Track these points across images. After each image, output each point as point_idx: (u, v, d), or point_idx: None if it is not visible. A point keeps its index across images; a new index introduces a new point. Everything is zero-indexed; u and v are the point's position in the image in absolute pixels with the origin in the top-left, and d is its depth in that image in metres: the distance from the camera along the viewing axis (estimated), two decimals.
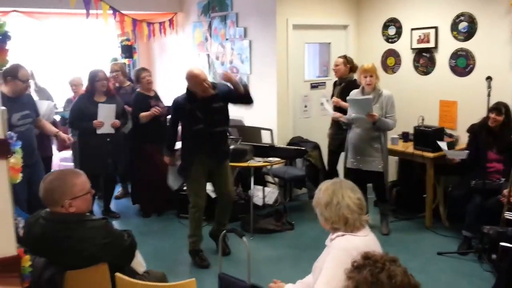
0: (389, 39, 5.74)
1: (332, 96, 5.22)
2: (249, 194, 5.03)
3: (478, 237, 4.14)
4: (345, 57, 5.13)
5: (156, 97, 5.26)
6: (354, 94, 4.60)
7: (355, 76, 4.94)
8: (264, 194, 5.48)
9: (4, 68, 2.17)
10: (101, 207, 5.41)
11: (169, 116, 4.53)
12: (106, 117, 4.84)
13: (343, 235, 2.06)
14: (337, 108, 4.96)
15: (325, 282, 1.98)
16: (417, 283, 1.44)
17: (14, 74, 4.00)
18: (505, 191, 3.86)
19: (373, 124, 4.38)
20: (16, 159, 1.91)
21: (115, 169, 5.10)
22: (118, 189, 6.02)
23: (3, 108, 1.89)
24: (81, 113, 4.82)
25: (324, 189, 2.17)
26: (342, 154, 5.03)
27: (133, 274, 2.49)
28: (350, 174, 4.59)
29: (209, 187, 4.41)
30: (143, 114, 5.03)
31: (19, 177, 1.94)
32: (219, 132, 4.07)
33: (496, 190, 4.02)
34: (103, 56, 6.97)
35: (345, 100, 4.75)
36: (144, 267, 2.68)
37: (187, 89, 3.99)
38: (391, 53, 5.72)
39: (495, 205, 3.96)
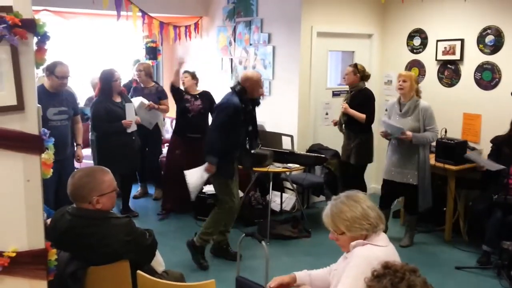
0: (414, 50, 5.72)
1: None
2: (267, 200, 5.06)
3: (497, 253, 4.09)
4: (355, 65, 5.08)
5: (198, 96, 5.33)
6: (391, 103, 4.65)
7: (366, 84, 5.06)
8: (282, 200, 5.49)
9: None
10: (119, 206, 5.48)
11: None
12: (132, 116, 4.96)
13: (364, 244, 2.07)
14: (345, 115, 5.00)
15: None
16: None
17: (51, 70, 4.18)
18: None
19: (410, 142, 4.38)
20: (48, 155, 1.97)
21: (131, 169, 5.21)
22: (137, 189, 6.11)
23: (39, 105, 1.96)
24: (107, 115, 4.88)
25: (344, 200, 2.16)
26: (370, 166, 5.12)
27: (153, 273, 2.53)
28: (384, 185, 4.68)
29: (209, 188, 4.51)
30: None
31: (50, 172, 2.01)
32: (254, 135, 4.30)
33: None
34: (127, 57, 7.09)
35: (352, 107, 4.87)
36: (163, 266, 2.72)
37: (242, 92, 4.04)
38: (416, 64, 5.70)
39: None
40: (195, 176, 4.22)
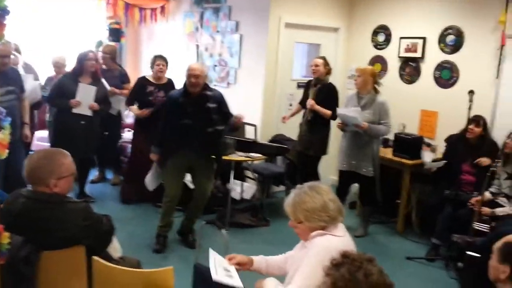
0: (377, 46, 5.83)
1: (305, 95, 5.19)
2: (228, 188, 5.07)
3: (446, 245, 4.26)
4: (324, 58, 5.10)
5: (162, 87, 5.07)
6: (350, 95, 4.71)
7: (330, 78, 5.07)
8: (242, 189, 5.51)
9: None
10: (75, 190, 5.34)
11: None
12: (84, 98, 4.76)
13: (323, 235, 2.11)
14: (311, 111, 4.96)
15: (304, 278, 2.03)
16: (391, 283, 1.50)
17: None
18: (474, 199, 4.01)
19: (364, 132, 4.48)
20: (4, 135, 1.89)
21: (88, 152, 5.06)
22: (95, 173, 5.97)
23: None
24: (61, 90, 4.75)
25: (307, 191, 2.20)
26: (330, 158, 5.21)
27: (109, 259, 2.49)
28: (341, 175, 4.78)
29: (188, 177, 4.44)
30: (132, 108, 5.05)
31: (5, 153, 1.94)
32: (210, 132, 4.07)
33: (467, 201, 4.14)
34: (89, 38, 6.88)
35: (317, 102, 4.85)
36: (120, 252, 2.68)
37: (184, 83, 4.04)
38: (379, 60, 5.81)
39: (466, 215, 4.08)
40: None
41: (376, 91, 4.57)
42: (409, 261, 4.29)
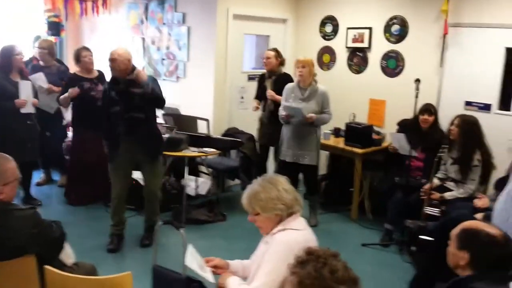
0: (326, 36, 5.89)
1: (261, 89, 5.19)
2: (182, 184, 4.97)
3: (399, 230, 4.40)
4: (276, 50, 5.12)
5: (97, 80, 4.90)
6: (290, 87, 4.64)
7: (283, 69, 5.06)
8: (197, 184, 5.44)
9: None
10: (19, 194, 5.05)
11: None
12: (27, 95, 4.53)
13: (284, 230, 2.10)
14: (272, 102, 4.97)
15: (266, 274, 2.02)
16: (356, 277, 1.50)
17: None
18: (426, 187, 4.14)
19: (311, 124, 4.49)
20: None
21: (34, 154, 4.81)
22: (39, 175, 5.68)
23: None
24: (2, 92, 4.44)
25: (260, 182, 2.20)
26: (271, 148, 5.18)
27: (62, 266, 2.38)
28: (284, 167, 4.66)
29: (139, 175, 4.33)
30: (62, 96, 4.72)
31: None
32: (138, 118, 3.92)
33: (417, 187, 4.28)
34: (26, 33, 6.50)
35: (277, 93, 4.83)
36: (73, 258, 2.57)
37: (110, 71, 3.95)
38: (327, 50, 5.88)
39: (416, 200, 4.22)
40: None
41: (315, 81, 4.58)
42: (364, 248, 4.39)
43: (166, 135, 4.57)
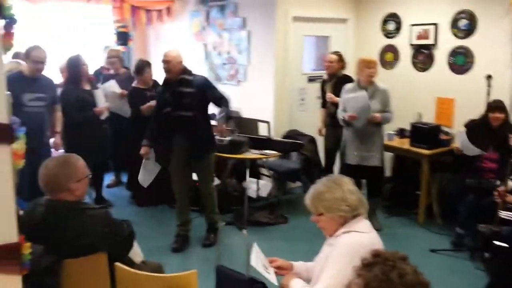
0: (388, 35, 5.73)
1: (323, 92, 5.20)
2: (243, 186, 5.02)
3: (470, 235, 4.18)
4: (339, 54, 5.12)
5: (154, 88, 5.06)
6: (350, 87, 4.55)
7: (346, 72, 5.04)
8: (258, 187, 5.47)
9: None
10: (91, 196, 5.33)
11: None
12: (103, 102, 4.81)
13: (348, 232, 2.05)
14: (333, 105, 4.92)
15: (330, 276, 1.98)
16: (426, 282, 1.43)
17: (27, 54, 4.15)
18: (499, 189, 3.90)
19: (375, 124, 4.39)
20: (20, 144, 1.86)
21: (105, 157, 5.07)
22: (110, 178, 5.96)
23: (9, 93, 1.84)
24: (77, 103, 4.64)
25: (325, 182, 2.17)
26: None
27: (131, 264, 2.47)
28: (348, 170, 4.57)
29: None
30: (143, 107, 4.91)
31: (21, 163, 1.90)
32: (187, 117, 4.00)
33: (490, 189, 4.04)
34: (97, 43, 6.86)
35: (336, 95, 4.80)
36: (142, 257, 2.66)
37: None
38: (390, 49, 5.71)
39: (489, 204, 3.98)
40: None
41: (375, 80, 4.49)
42: (433, 253, 4.21)
43: (227, 138, 4.64)
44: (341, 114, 4.53)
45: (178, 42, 6.77)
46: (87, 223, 2.23)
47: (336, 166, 5.31)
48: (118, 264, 2.21)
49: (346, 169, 4.61)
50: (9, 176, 1.86)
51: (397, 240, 4.50)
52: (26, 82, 4.10)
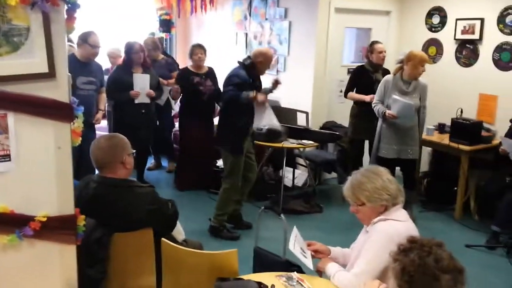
0: (432, 28, 5.64)
1: (363, 81, 5.06)
2: (279, 175, 5.10)
3: (507, 233, 4.13)
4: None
5: (206, 75, 5.19)
6: (391, 80, 4.44)
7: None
8: (294, 176, 5.53)
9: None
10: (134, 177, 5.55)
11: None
12: (141, 87, 4.90)
13: (385, 220, 2.11)
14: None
15: (366, 262, 2.04)
16: (462, 267, 1.48)
17: (84, 39, 4.30)
18: None
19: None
20: (78, 123, 2.01)
21: (147, 141, 5.23)
22: (150, 161, 6.16)
23: (69, 74, 1.98)
24: (118, 83, 4.87)
25: (364, 173, 2.21)
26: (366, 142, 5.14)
27: (174, 241, 2.59)
28: (381, 162, 4.52)
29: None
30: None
31: (79, 140, 2.05)
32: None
33: None
34: (141, 30, 7.05)
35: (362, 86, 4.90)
36: (183, 235, 2.79)
37: (252, 67, 4.11)
38: (433, 43, 5.63)
39: None
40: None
41: None
42: (468, 249, 4.18)
43: (266, 127, 4.71)
44: (380, 107, 4.50)
45: (219, 31, 6.89)
46: (135, 200, 2.36)
47: (365, 158, 5.28)
48: (164, 239, 2.34)
49: (380, 162, 4.55)
50: (69, 152, 2.01)
51: (432, 233, 4.39)
52: (80, 65, 4.28)
